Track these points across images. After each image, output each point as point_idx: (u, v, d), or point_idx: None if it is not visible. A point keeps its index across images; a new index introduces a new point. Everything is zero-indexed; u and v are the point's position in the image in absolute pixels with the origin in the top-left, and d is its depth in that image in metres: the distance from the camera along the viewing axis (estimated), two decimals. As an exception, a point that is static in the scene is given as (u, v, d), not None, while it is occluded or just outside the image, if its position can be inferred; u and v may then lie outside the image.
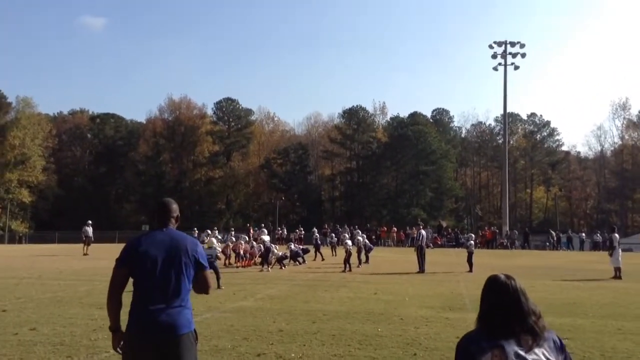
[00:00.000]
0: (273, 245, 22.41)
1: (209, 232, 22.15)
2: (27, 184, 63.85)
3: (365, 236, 28.32)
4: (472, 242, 21.39)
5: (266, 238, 21.05)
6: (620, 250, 18.98)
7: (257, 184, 76.76)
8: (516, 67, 51.00)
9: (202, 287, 3.85)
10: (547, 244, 42.72)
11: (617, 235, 19.22)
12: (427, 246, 38.98)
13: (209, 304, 11.53)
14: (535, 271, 21.31)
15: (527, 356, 2.41)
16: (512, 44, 50.85)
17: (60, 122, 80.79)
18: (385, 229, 45.35)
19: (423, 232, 21.07)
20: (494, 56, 51.21)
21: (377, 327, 9.14)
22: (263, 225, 41.15)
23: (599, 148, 76.69)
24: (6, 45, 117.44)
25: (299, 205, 74.23)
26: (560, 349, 2.53)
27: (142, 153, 75.81)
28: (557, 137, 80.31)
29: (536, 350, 2.44)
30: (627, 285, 16.50)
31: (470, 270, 19.94)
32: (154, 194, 72.93)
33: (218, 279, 14.27)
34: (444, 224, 43.59)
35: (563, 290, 14.91)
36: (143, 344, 3.56)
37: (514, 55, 50.95)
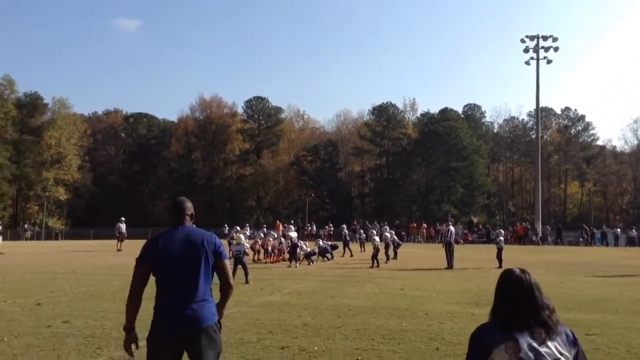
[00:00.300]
0: (301, 242, 22.57)
1: (238, 228, 22.46)
2: (63, 182, 65.34)
3: (393, 232, 28.23)
4: (502, 237, 21.13)
5: (293, 234, 21.26)
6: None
7: (287, 181, 77.12)
8: (549, 61, 49.99)
9: (223, 275, 3.93)
10: (581, 239, 41.95)
11: None
12: (457, 242, 38.96)
13: (236, 299, 11.70)
14: (567, 267, 21.00)
15: (540, 349, 2.45)
16: (545, 38, 49.83)
17: (95, 122, 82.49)
18: (415, 225, 45.16)
19: (452, 228, 20.97)
20: (526, 50, 50.21)
21: (401, 322, 9.18)
22: (293, 222, 41.41)
23: (635, 142, 74.81)
24: (43, 47, 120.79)
25: (328, 202, 74.31)
26: (573, 342, 2.57)
27: (174, 152, 76.91)
28: (592, 132, 78.58)
29: (549, 343, 2.48)
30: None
31: (500, 266, 19.69)
32: (186, 191, 73.90)
33: (246, 274, 14.46)
34: (475, 220, 43.17)
35: (594, 286, 14.69)
36: (168, 339, 3.68)
37: (547, 49, 49.88)
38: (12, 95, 64.71)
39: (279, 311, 10.28)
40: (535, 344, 2.46)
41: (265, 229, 32.10)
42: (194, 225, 4.04)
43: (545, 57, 50.02)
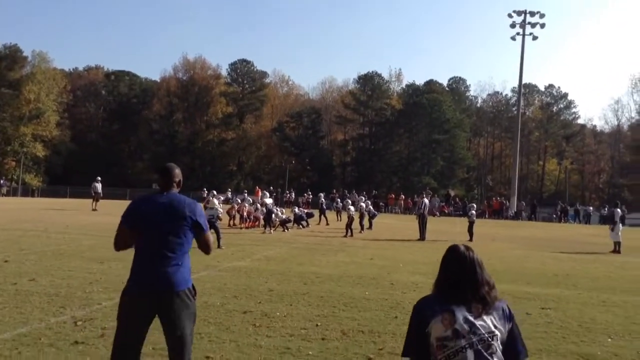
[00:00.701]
0: (277, 208, 22.65)
1: (215, 192, 22.45)
2: (41, 139, 64.41)
3: (369, 202, 28.44)
4: (474, 212, 21.46)
5: (269, 201, 21.34)
6: (621, 225, 19.02)
7: (269, 146, 76.89)
8: (534, 38, 50.09)
9: (203, 248, 4.08)
10: (554, 216, 42.69)
11: (619, 210, 19.26)
12: (434, 214, 39.46)
13: (206, 263, 11.82)
14: (536, 242, 21.44)
15: (476, 322, 2.57)
16: (532, 14, 49.83)
17: (75, 77, 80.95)
18: (393, 196, 45.53)
19: (426, 200, 21.18)
20: (513, 25, 50.21)
21: (365, 291, 9.36)
22: (271, 187, 41.46)
23: (616, 122, 75.76)
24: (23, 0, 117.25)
25: (310, 170, 74.40)
26: (508, 317, 2.68)
27: (155, 112, 76.10)
28: (573, 110, 79.34)
29: (485, 317, 2.60)
30: (625, 259, 16.58)
31: (471, 240, 20.10)
32: (166, 153, 73.43)
33: (219, 238, 14.55)
34: (452, 193, 43.62)
35: (558, 261, 15.04)
36: (141, 300, 3.79)
37: (533, 25, 49.95)
38: (-9, 47, 63.13)
39: (247, 277, 10.40)
40: (471, 317, 2.57)
41: (245, 195, 32.15)
42: (180, 193, 4.11)
43: (531, 34, 50.12)
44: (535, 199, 55.93)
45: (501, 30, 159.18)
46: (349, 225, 21.08)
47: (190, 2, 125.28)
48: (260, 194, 36.93)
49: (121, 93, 79.49)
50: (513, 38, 50.37)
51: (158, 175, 4.13)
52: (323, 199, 30.64)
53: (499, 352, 2.57)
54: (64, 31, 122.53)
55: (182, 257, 3.92)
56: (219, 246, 14.38)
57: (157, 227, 3.86)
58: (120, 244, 3.97)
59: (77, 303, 7.49)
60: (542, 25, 49.67)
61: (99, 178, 31.01)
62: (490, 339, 2.55)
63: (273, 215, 21.17)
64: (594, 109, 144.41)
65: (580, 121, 79.54)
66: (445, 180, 68.67)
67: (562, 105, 78.71)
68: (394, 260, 13.70)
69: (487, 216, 42.70)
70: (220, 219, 15.57)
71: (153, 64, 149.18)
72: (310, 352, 5.76)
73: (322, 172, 73.23)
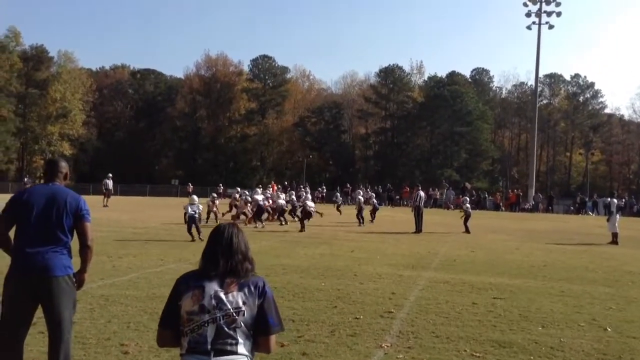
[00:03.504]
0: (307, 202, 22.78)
1: (215, 194, 23.13)
2: (68, 137, 66.08)
3: (373, 195, 28.62)
4: (468, 205, 21.34)
5: (259, 197, 21.55)
6: (618, 216, 18.76)
7: (291, 142, 77.14)
8: (551, 27, 49.08)
9: (80, 237, 4.24)
10: (572, 208, 41.95)
11: (615, 200, 19.09)
12: (448, 207, 39.21)
13: (181, 256, 12.14)
14: (537, 234, 21.17)
15: (224, 297, 2.68)
16: (547, 2, 48.80)
17: (101, 76, 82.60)
18: (407, 189, 45.31)
19: (421, 192, 21.10)
20: (528, 14, 49.27)
21: (322, 282, 9.47)
22: (286, 183, 41.65)
23: (644, 111, 73.71)
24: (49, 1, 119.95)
25: (331, 164, 74.55)
26: (260, 294, 2.78)
27: (179, 109, 77.08)
28: (600, 100, 77.42)
29: (235, 292, 2.70)
30: (618, 251, 16.27)
31: (466, 231, 20.01)
32: (190, 149, 74.70)
33: (198, 232, 14.96)
34: (469, 186, 43.14)
35: (545, 253, 14.86)
36: (21, 282, 4.01)
37: (549, 14, 48.94)
38: (18, 47, 64.63)
39: (213, 268, 10.58)
40: (220, 293, 2.68)
41: (258, 190, 32.40)
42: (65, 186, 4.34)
43: (547, 22, 49.12)
44: (551, 191, 55.00)
45: (524, 19, 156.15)
46: (358, 214, 22.69)
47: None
48: (275, 188, 37.19)
49: (147, 91, 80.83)
50: (529, 27, 49.51)
51: (45, 167, 4.38)
52: (338, 194, 31.21)
53: (244, 327, 2.68)
54: (90, 31, 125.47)
55: (61, 244, 4.11)
56: (200, 239, 14.68)
57: (37, 215, 4.06)
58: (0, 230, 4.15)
59: None
60: (559, 14, 48.63)
61: (110, 175, 31.68)
62: (235, 314, 2.66)
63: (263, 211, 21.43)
64: (621, 98, 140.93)
65: (607, 111, 77.69)
66: (469, 172, 67.96)
67: (588, 95, 76.88)
68: (373, 253, 13.76)
69: (503, 209, 42.19)
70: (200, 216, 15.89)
71: (177, 62, 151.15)
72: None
73: (344, 166, 73.29)
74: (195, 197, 16.07)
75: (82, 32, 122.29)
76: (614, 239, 17.97)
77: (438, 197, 43.15)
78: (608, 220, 18.57)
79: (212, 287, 2.71)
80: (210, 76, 76.49)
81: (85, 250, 4.21)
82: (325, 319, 6.97)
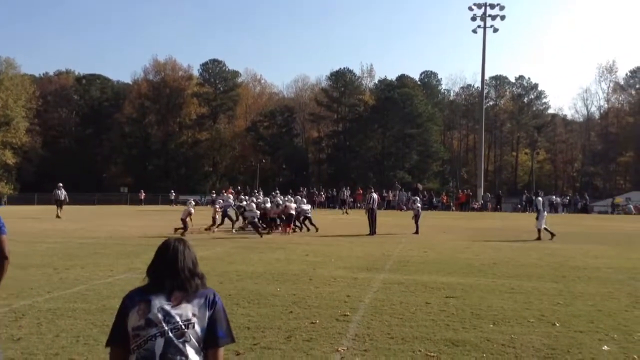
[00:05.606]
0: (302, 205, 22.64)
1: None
2: (10, 146, 63.75)
3: (305, 201, 28.33)
4: (418, 204, 21.65)
5: (292, 205, 21.65)
6: (545, 213, 19.54)
7: (243, 146, 76.78)
8: (495, 30, 50.61)
9: None
10: (519, 206, 43.21)
11: (540, 199, 20.03)
12: (401, 209, 39.78)
13: (132, 265, 11.87)
14: (486, 233, 21.72)
15: (172, 310, 2.62)
16: (492, 6, 50.27)
17: (45, 83, 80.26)
18: (361, 192, 45.73)
19: (374, 195, 21.28)
20: (474, 18, 50.66)
21: (277, 287, 9.43)
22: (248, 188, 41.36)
23: (585, 111, 76.76)
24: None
25: (285, 168, 74.50)
26: (210, 305, 2.72)
27: (127, 115, 75.53)
28: (544, 100, 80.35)
29: (183, 305, 2.65)
30: (564, 247, 16.80)
31: (417, 232, 20.37)
32: (140, 155, 73.23)
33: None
34: (420, 187, 43.95)
35: (495, 251, 15.22)
36: None
37: (494, 18, 50.43)
38: (-44, 54, 62.22)
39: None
40: (167, 306, 2.62)
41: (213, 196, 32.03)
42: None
43: (492, 26, 50.56)
44: (499, 190, 56.54)
45: (469, 23, 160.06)
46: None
47: (159, 4, 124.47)
48: (232, 193, 36.76)
49: (93, 97, 79.02)
50: (474, 31, 50.86)
51: None
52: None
53: (194, 340, 2.61)
54: (32, 37, 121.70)
55: None
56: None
57: None
58: None
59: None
60: (503, 18, 50.21)
61: (61, 184, 30.54)
62: (185, 327, 2.60)
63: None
64: (564, 99, 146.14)
65: (550, 111, 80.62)
66: (420, 174, 69.16)
67: (532, 96, 79.59)
68: (328, 256, 13.78)
69: (453, 208, 43.08)
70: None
71: (125, 67, 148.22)
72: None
73: (297, 170, 73.36)
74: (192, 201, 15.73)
75: (25, 37, 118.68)
76: (539, 235, 18.70)
77: (391, 198, 43.69)
78: (537, 218, 19.27)
79: (160, 300, 2.64)
80: (159, 81, 75.39)
81: (2, 261, 4.05)
82: (281, 325, 6.93)
